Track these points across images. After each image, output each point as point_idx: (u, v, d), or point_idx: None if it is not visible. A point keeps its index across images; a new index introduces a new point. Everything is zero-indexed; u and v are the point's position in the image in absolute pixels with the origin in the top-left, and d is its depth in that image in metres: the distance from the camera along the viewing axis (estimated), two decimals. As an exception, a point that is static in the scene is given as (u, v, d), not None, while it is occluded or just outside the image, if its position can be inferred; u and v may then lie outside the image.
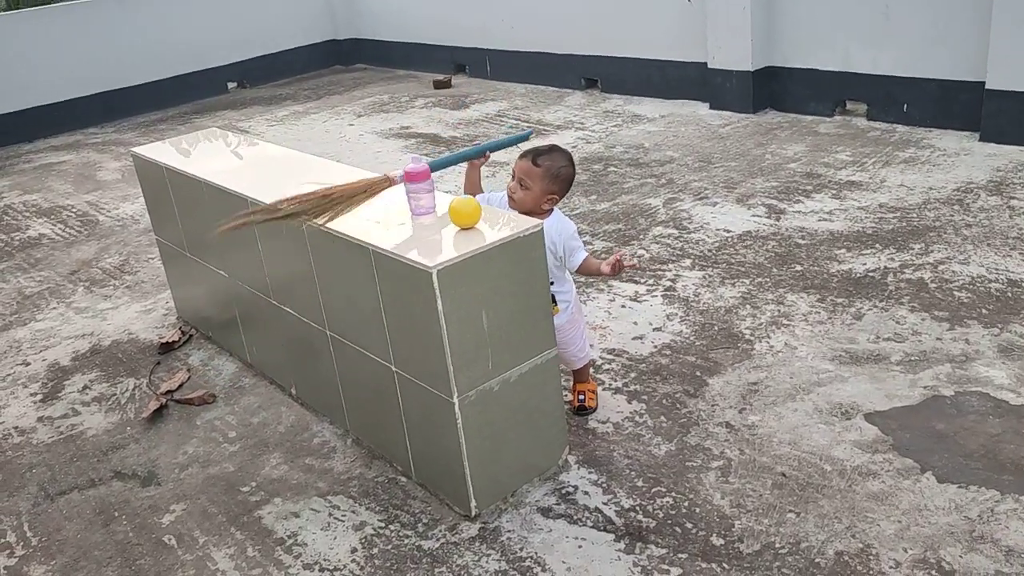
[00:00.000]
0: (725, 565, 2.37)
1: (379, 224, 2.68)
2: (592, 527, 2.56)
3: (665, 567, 2.38)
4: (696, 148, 5.91)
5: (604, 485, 2.72)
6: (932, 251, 4.02)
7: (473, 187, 3.07)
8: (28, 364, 4.00)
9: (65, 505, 2.97)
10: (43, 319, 4.47)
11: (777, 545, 2.41)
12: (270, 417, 3.34)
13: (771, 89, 6.52)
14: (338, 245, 2.70)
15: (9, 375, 3.92)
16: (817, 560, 2.34)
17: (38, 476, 3.15)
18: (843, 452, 2.75)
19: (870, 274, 3.87)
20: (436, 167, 2.78)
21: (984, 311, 3.47)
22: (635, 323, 3.68)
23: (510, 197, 2.88)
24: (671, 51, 7.05)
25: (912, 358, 3.21)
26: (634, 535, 2.51)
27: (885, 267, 3.92)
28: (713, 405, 3.07)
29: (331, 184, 2.78)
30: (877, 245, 4.14)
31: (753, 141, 5.92)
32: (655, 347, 3.48)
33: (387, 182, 2.79)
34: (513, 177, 2.88)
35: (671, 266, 4.16)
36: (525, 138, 3.19)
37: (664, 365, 3.35)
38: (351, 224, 2.69)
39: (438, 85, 8.70)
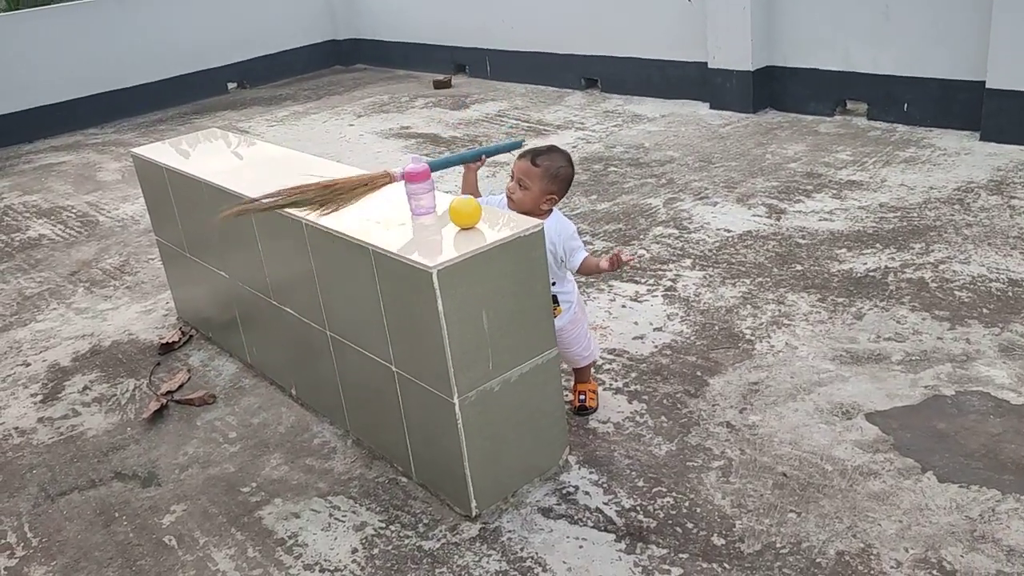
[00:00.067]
0: (726, 565, 2.36)
1: (379, 224, 2.68)
2: (593, 527, 2.56)
3: (666, 567, 2.38)
4: (696, 148, 5.91)
5: (605, 485, 2.72)
6: (933, 251, 4.02)
7: (470, 190, 3.07)
8: (28, 365, 4.00)
9: (65, 506, 2.96)
10: (43, 320, 4.47)
11: (778, 545, 2.41)
12: (270, 418, 3.33)
13: (771, 89, 6.52)
14: (338, 245, 2.70)
15: (9, 376, 3.92)
16: (818, 560, 2.34)
17: (38, 477, 3.15)
18: (844, 452, 2.74)
19: (871, 274, 3.87)
20: (433, 169, 2.78)
21: (985, 311, 3.47)
22: (636, 323, 3.68)
23: (509, 198, 2.87)
24: (671, 51, 7.04)
25: (913, 358, 3.21)
26: (635, 535, 2.51)
27: (886, 267, 3.92)
28: (714, 405, 3.06)
29: (332, 179, 2.79)
30: (878, 245, 4.14)
31: (753, 141, 5.92)
32: (656, 347, 3.48)
33: (387, 178, 2.80)
34: (512, 177, 2.87)
35: (671, 266, 4.16)
36: (517, 146, 3.19)
37: (665, 365, 3.34)
38: (351, 224, 2.69)
39: (438, 85, 8.70)
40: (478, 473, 2.59)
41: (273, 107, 8.80)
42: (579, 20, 7.68)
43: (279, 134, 7.63)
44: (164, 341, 3.98)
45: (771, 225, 4.50)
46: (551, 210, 2.89)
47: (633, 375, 3.30)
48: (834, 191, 4.85)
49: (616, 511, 2.61)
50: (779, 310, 3.65)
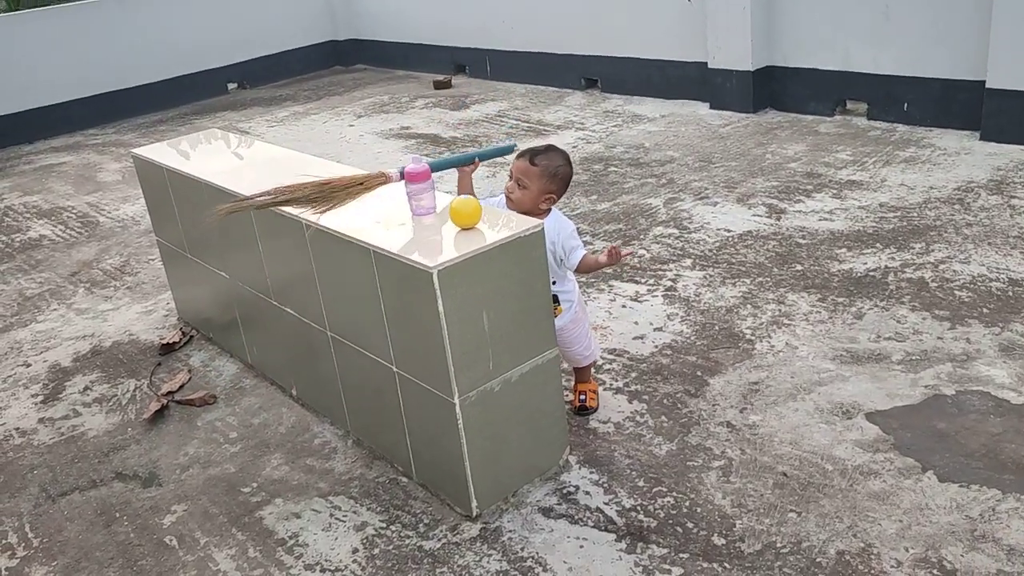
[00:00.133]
0: (727, 565, 2.36)
1: (380, 224, 2.68)
2: (593, 527, 2.56)
3: (666, 567, 2.38)
4: (696, 148, 5.91)
5: (605, 485, 2.72)
6: (933, 250, 4.02)
7: (465, 192, 3.06)
8: (29, 365, 4.00)
9: (66, 506, 2.97)
10: (44, 320, 4.47)
11: (778, 545, 2.41)
12: (271, 418, 3.34)
13: (771, 89, 6.52)
14: (339, 245, 2.70)
15: (10, 376, 3.92)
16: (818, 560, 2.34)
17: (39, 477, 3.15)
18: (844, 451, 2.75)
19: (871, 273, 3.87)
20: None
21: (985, 310, 3.47)
22: (636, 323, 3.68)
23: (508, 197, 2.87)
24: (671, 51, 7.05)
25: (913, 357, 3.21)
26: (635, 535, 2.51)
27: (886, 266, 3.92)
28: (714, 405, 3.06)
29: (328, 178, 2.80)
30: (878, 244, 4.14)
31: (753, 141, 5.92)
32: (656, 347, 3.48)
33: (382, 178, 2.79)
34: (511, 177, 2.88)
35: (672, 266, 4.16)
36: (510, 150, 3.19)
37: (665, 365, 3.35)
38: (352, 224, 2.69)
39: (438, 85, 8.70)
40: (478, 473, 2.59)
41: (273, 107, 8.81)
42: (579, 20, 7.68)
43: (279, 134, 7.63)
44: (165, 341, 3.99)
45: (771, 225, 4.50)
46: (550, 209, 2.89)
47: (633, 375, 3.30)
48: (834, 191, 4.86)
49: (616, 511, 2.61)
50: (779, 310, 3.65)
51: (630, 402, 3.14)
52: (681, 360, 3.37)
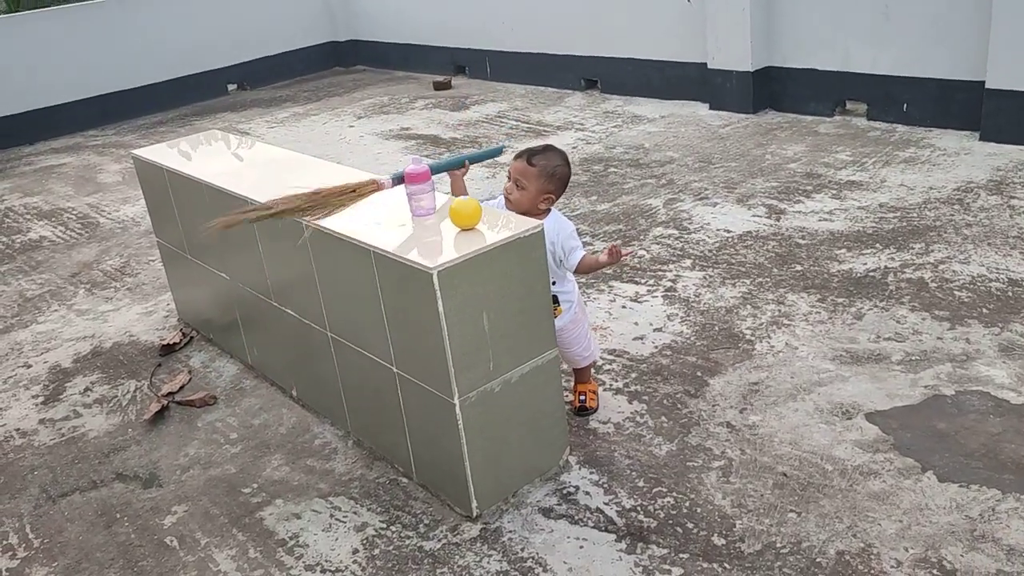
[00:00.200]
0: (727, 565, 2.37)
1: (380, 225, 2.68)
2: (593, 527, 2.56)
3: (666, 567, 2.38)
4: (696, 148, 5.92)
5: (605, 485, 2.73)
6: (932, 251, 4.02)
7: (459, 195, 3.05)
8: (29, 366, 4.01)
9: (67, 507, 2.97)
10: (44, 321, 4.47)
11: (778, 545, 2.41)
12: (271, 419, 3.34)
13: (771, 89, 6.53)
14: (339, 246, 2.70)
15: (10, 377, 3.92)
16: (818, 560, 2.34)
17: (40, 478, 3.15)
18: (844, 452, 2.75)
19: (870, 274, 3.87)
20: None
21: (985, 310, 3.47)
22: (636, 323, 3.68)
23: (507, 198, 2.88)
24: (671, 52, 7.05)
25: (913, 358, 3.21)
26: (635, 535, 2.51)
27: (885, 267, 3.92)
28: (714, 405, 3.07)
29: (320, 186, 2.76)
30: (877, 245, 4.15)
31: (753, 141, 5.92)
32: (656, 347, 3.48)
33: (374, 185, 2.76)
34: (509, 178, 2.88)
35: (671, 266, 4.17)
36: (499, 152, 3.19)
37: (665, 365, 3.35)
38: (352, 225, 2.69)
39: (438, 86, 8.70)
40: (479, 473, 2.59)
41: (273, 108, 8.81)
42: (579, 21, 7.68)
43: (279, 135, 7.63)
44: (165, 342, 3.99)
45: (771, 225, 4.51)
46: (549, 210, 2.90)
47: (633, 375, 3.30)
48: (834, 191, 4.86)
49: (616, 511, 2.61)
50: (779, 310, 3.65)
51: (630, 402, 3.14)
52: (681, 360, 3.37)
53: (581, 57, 7.79)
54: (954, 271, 3.81)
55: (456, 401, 2.48)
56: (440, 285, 2.36)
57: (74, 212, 6.20)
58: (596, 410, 3.10)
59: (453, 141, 6.79)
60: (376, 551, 2.58)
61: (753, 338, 3.46)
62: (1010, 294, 3.57)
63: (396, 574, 2.48)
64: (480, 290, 2.45)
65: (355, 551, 2.59)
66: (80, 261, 5.25)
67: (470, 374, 2.49)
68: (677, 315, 3.71)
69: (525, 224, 2.56)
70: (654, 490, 2.68)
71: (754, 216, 4.65)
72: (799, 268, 4.00)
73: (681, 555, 2.42)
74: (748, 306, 3.71)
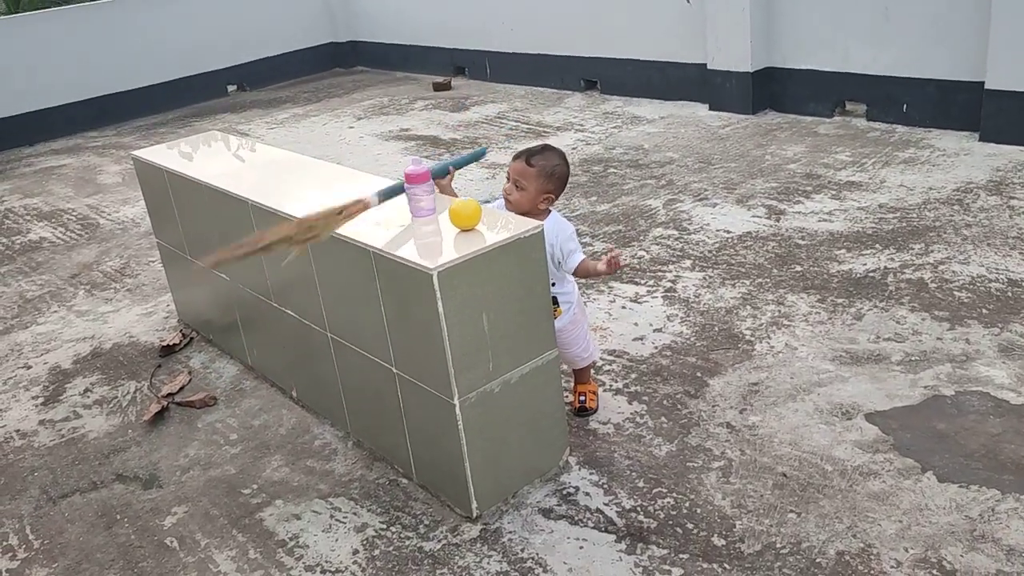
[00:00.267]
0: (726, 565, 2.37)
1: (379, 226, 2.68)
2: (593, 528, 2.56)
3: (666, 568, 2.38)
4: (696, 149, 5.92)
5: (605, 486, 2.73)
6: (932, 251, 4.03)
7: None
8: (29, 367, 4.01)
9: (67, 508, 2.97)
10: (44, 322, 4.47)
11: (778, 545, 2.41)
12: (271, 419, 3.34)
13: (770, 90, 6.53)
14: (339, 247, 2.70)
15: (10, 378, 3.92)
16: (818, 560, 2.35)
17: (40, 479, 3.15)
18: (844, 452, 2.75)
19: (870, 274, 3.87)
20: (400, 190, 2.75)
21: (984, 311, 3.47)
22: (635, 324, 3.68)
23: (506, 199, 2.88)
24: (670, 52, 7.05)
25: (912, 358, 3.21)
26: (635, 536, 2.51)
27: (885, 267, 3.92)
28: (714, 406, 3.07)
29: (305, 213, 2.69)
30: (877, 245, 4.15)
31: (753, 142, 5.93)
32: (656, 348, 3.48)
33: (360, 204, 2.67)
34: (508, 179, 2.88)
35: (671, 267, 4.17)
36: (482, 154, 3.18)
37: (665, 366, 3.35)
38: (351, 226, 2.69)
39: (438, 87, 8.71)
40: (479, 474, 2.60)
41: (273, 109, 8.81)
42: (578, 22, 7.69)
43: (279, 136, 7.64)
44: (165, 343, 3.99)
45: (771, 226, 4.51)
46: (549, 210, 2.90)
47: (633, 376, 3.30)
48: (833, 192, 4.86)
49: (616, 512, 2.61)
50: (779, 311, 3.65)
51: (630, 403, 3.14)
52: (681, 361, 3.37)
53: (581, 58, 7.79)
54: (954, 271, 3.81)
55: (456, 402, 2.48)
56: (440, 286, 2.36)
57: (74, 213, 6.21)
58: (596, 411, 3.10)
59: (453, 142, 6.80)
60: (376, 552, 2.58)
61: (753, 339, 3.46)
62: (1010, 294, 3.57)
63: (396, 575, 2.48)
64: (480, 291, 2.45)
65: (355, 552, 2.59)
66: (80, 262, 5.25)
67: (470, 375, 2.49)
68: (677, 316, 3.71)
69: (525, 225, 2.56)
70: (654, 491, 2.68)
71: (754, 217, 4.65)
72: (799, 269, 4.00)
73: (681, 555, 2.42)
74: (748, 307, 3.72)
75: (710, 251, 4.29)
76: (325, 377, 3.12)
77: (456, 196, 2.99)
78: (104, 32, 8.90)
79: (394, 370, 2.70)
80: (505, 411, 2.61)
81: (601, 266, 2.75)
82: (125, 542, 2.76)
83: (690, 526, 2.52)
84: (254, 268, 3.30)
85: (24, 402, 3.70)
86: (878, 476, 2.63)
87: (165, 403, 3.49)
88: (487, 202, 2.90)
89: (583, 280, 3.98)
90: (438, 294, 2.36)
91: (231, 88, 9.87)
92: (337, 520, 2.74)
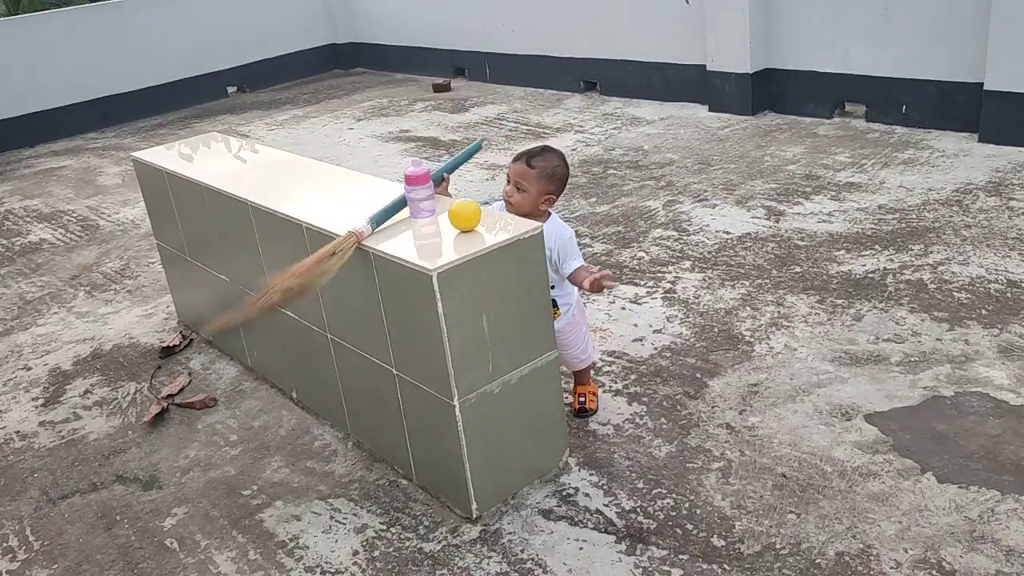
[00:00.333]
0: (726, 566, 2.37)
1: (379, 227, 2.68)
2: (593, 529, 2.56)
3: (666, 568, 2.39)
4: (695, 150, 5.92)
5: (605, 487, 2.73)
6: (931, 252, 4.03)
7: None
8: (29, 369, 4.01)
9: (67, 509, 2.97)
10: (44, 324, 4.48)
11: (778, 546, 2.42)
12: (271, 421, 3.34)
13: (770, 91, 6.53)
14: (338, 248, 2.70)
15: (11, 380, 3.93)
16: (818, 561, 2.35)
17: (40, 480, 3.15)
18: (843, 453, 2.75)
19: (869, 275, 3.87)
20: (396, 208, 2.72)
21: (984, 312, 3.47)
22: (635, 325, 3.69)
23: (507, 201, 2.88)
24: (670, 53, 7.06)
25: (912, 359, 3.21)
26: (635, 536, 2.51)
27: (884, 268, 3.92)
28: (713, 407, 3.07)
29: (296, 264, 2.63)
30: (876, 246, 4.15)
31: (752, 143, 5.93)
32: (655, 349, 3.48)
33: (353, 238, 2.58)
34: (508, 181, 2.88)
35: (671, 268, 4.17)
36: (477, 148, 3.17)
37: (664, 367, 3.35)
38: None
39: (437, 89, 8.71)
40: (478, 475, 2.60)
41: (273, 111, 8.82)
42: (578, 23, 7.69)
43: (279, 138, 7.64)
44: (165, 345, 3.99)
45: (770, 227, 4.51)
46: (549, 212, 2.90)
47: (633, 377, 3.31)
48: (833, 193, 4.86)
49: (616, 513, 2.61)
50: (778, 312, 3.65)
51: (629, 404, 3.14)
52: (680, 362, 3.37)
53: (580, 59, 7.80)
54: (953, 272, 3.81)
55: (456, 403, 2.48)
56: (440, 287, 2.36)
57: (74, 215, 6.21)
58: (596, 412, 3.10)
59: (452, 143, 6.80)
60: (376, 553, 2.58)
61: (752, 339, 3.47)
62: (1009, 295, 3.57)
63: (396, 576, 2.49)
64: (480, 292, 2.45)
65: (355, 553, 2.59)
66: (80, 263, 5.25)
67: (470, 376, 2.49)
68: (676, 317, 3.71)
69: (524, 226, 2.56)
70: (654, 491, 2.68)
71: (753, 218, 4.66)
72: (798, 270, 4.01)
73: (681, 556, 2.42)
74: (747, 308, 3.72)
75: (709, 252, 4.30)
76: (325, 378, 3.12)
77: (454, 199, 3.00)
78: (104, 33, 8.90)
79: (394, 371, 2.70)
80: (505, 412, 2.61)
81: (585, 284, 2.71)
82: (125, 543, 2.76)
83: (690, 527, 2.52)
84: (253, 269, 3.30)
85: (24, 403, 3.70)
86: (878, 477, 2.63)
87: (165, 404, 3.49)
88: (486, 203, 2.90)
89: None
90: (438, 295, 2.36)
91: (231, 89, 9.88)
92: (337, 521, 2.74)
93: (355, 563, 2.55)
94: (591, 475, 2.79)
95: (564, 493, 2.72)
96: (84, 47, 8.77)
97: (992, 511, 2.45)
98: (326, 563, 2.57)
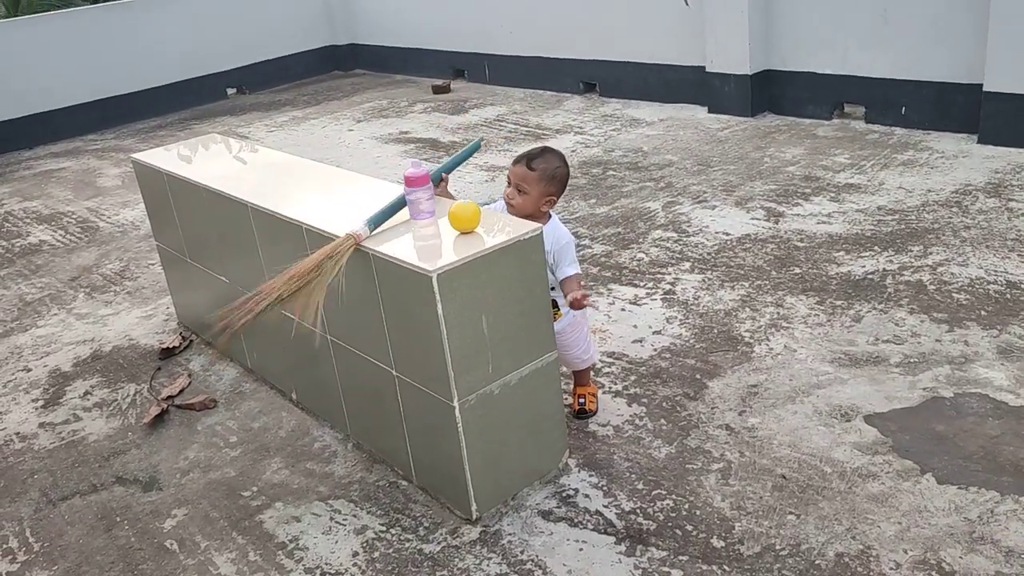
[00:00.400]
0: (726, 567, 2.37)
1: (379, 228, 2.69)
2: (593, 530, 2.57)
3: (666, 569, 2.39)
4: (695, 152, 5.93)
5: (604, 488, 2.73)
6: (931, 253, 4.03)
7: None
8: (29, 370, 4.01)
9: (67, 510, 2.97)
10: (44, 325, 4.48)
11: (777, 547, 2.42)
12: (271, 422, 3.34)
13: (769, 92, 6.54)
14: (338, 250, 2.70)
15: (10, 381, 3.93)
16: (817, 562, 2.35)
17: (40, 482, 3.15)
18: (843, 454, 2.75)
19: (869, 276, 3.88)
20: (384, 217, 2.71)
21: (983, 312, 3.48)
22: (635, 326, 3.69)
23: (508, 204, 2.88)
24: (669, 55, 7.06)
25: (911, 360, 3.22)
26: (635, 538, 2.51)
27: (884, 269, 3.93)
28: (713, 408, 3.07)
29: (294, 266, 2.63)
30: (876, 247, 4.15)
31: (751, 144, 5.93)
32: (655, 350, 3.48)
33: (351, 241, 2.59)
34: (509, 183, 2.88)
35: (670, 269, 4.17)
36: (476, 147, 3.17)
37: (664, 368, 3.35)
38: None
39: (437, 90, 8.72)
40: (478, 476, 2.60)
41: (272, 112, 8.82)
42: (577, 24, 7.69)
43: (278, 139, 7.64)
44: (165, 346, 3.99)
45: (769, 228, 4.51)
46: (549, 213, 2.90)
47: (632, 378, 3.31)
48: (832, 194, 4.87)
49: (616, 514, 2.62)
50: (778, 313, 3.66)
51: (629, 405, 3.14)
52: (680, 363, 3.37)
53: (580, 61, 7.80)
54: (952, 273, 3.81)
55: (455, 404, 2.48)
56: (439, 288, 2.36)
57: (74, 216, 6.21)
58: (595, 413, 3.10)
59: (452, 145, 6.80)
60: (376, 554, 2.58)
61: (752, 341, 3.47)
62: (1008, 296, 3.58)
63: (396, 577, 2.49)
64: (479, 293, 2.45)
65: (355, 554, 2.59)
66: (80, 265, 5.25)
67: (469, 377, 2.49)
68: (676, 318, 3.71)
69: (524, 227, 2.56)
70: (653, 492, 2.69)
71: (753, 219, 4.66)
72: (798, 271, 4.01)
73: (680, 557, 2.42)
74: (747, 309, 3.72)
75: (709, 253, 4.30)
76: (325, 379, 3.12)
77: (454, 199, 3.00)
78: (104, 35, 8.90)
79: (394, 372, 2.70)
80: (505, 413, 2.61)
81: (568, 296, 2.73)
82: (125, 544, 2.76)
83: (689, 528, 2.53)
84: (253, 270, 3.30)
85: (24, 405, 3.70)
86: (877, 478, 2.63)
87: (165, 406, 3.49)
88: (486, 204, 2.91)
89: (584, 281, 3.98)
90: (437, 296, 2.36)
91: (230, 91, 9.88)
92: (337, 522, 2.74)
93: (355, 564, 2.55)
94: (591, 476, 2.79)
95: (564, 494, 2.72)
96: (84, 49, 8.77)
97: (991, 512, 2.45)
98: (326, 564, 2.57)
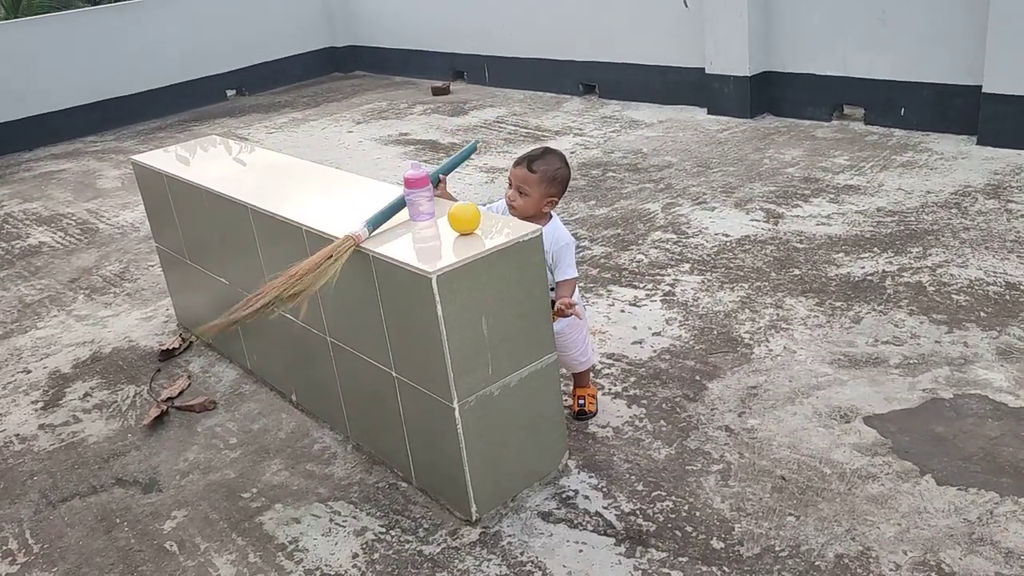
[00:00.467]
0: (725, 568, 2.37)
1: (378, 229, 2.69)
2: (592, 531, 2.57)
3: (665, 571, 2.39)
4: (694, 153, 5.93)
5: (604, 489, 2.73)
6: (930, 254, 4.03)
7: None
8: (29, 372, 4.01)
9: (67, 512, 2.97)
10: (44, 327, 4.48)
11: (777, 548, 2.42)
12: (270, 423, 3.34)
13: (769, 94, 6.54)
14: (338, 251, 2.70)
15: (10, 383, 3.93)
16: (817, 563, 2.35)
17: (39, 483, 3.15)
18: (842, 455, 2.75)
19: (868, 278, 3.88)
20: (383, 218, 2.72)
21: (982, 314, 3.48)
22: (634, 328, 3.69)
23: (510, 205, 2.89)
24: (669, 56, 7.07)
25: (911, 361, 3.22)
26: (634, 539, 2.51)
27: (883, 271, 3.93)
28: (712, 409, 3.07)
29: (295, 265, 2.63)
30: (875, 249, 4.15)
31: (751, 146, 5.94)
32: (654, 351, 3.49)
33: (350, 242, 2.58)
34: (510, 185, 2.88)
35: (670, 271, 4.17)
36: (473, 149, 3.17)
37: (663, 369, 3.35)
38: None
39: (436, 92, 8.72)
40: (478, 478, 2.60)
41: (272, 114, 8.82)
42: (577, 26, 7.70)
43: (278, 141, 7.64)
44: (164, 347, 3.99)
45: (769, 230, 4.52)
46: (551, 214, 2.91)
47: (632, 379, 3.31)
48: (832, 196, 4.87)
49: (616, 515, 2.62)
50: (777, 314, 3.66)
51: (629, 406, 3.14)
52: (679, 364, 3.38)
53: (579, 62, 7.80)
54: (952, 275, 3.82)
55: (455, 405, 2.49)
56: (439, 289, 2.36)
57: (73, 218, 6.21)
58: (595, 414, 3.11)
59: (451, 146, 6.80)
60: (376, 555, 2.58)
61: (751, 342, 3.47)
62: (1007, 297, 3.58)
63: (396, 578, 2.49)
64: (479, 294, 2.46)
65: (355, 555, 2.59)
66: (79, 266, 5.25)
67: (469, 378, 2.49)
68: (676, 319, 3.72)
69: (524, 229, 2.57)
70: (653, 494, 2.69)
71: (752, 220, 4.66)
72: (797, 272, 4.01)
73: (680, 559, 2.42)
74: (746, 310, 3.72)
75: (708, 255, 4.30)
76: (324, 381, 3.12)
77: (455, 201, 3.00)
78: (103, 37, 8.91)
79: (393, 374, 2.71)
80: (504, 414, 2.61)
81: (558, 303, 2.74)
82: (125, 546, 2.76)
83: (689, 529, 2.53)
84: (253, 272, 3.31)
85: (24, 406, 3.70)
86: (877, 479, 2.63)
87: (165, 407, 3.49)
88: (486, 205, 2.91)
89: (582, 282, 3.99)
90: (437, 298, 2.36)
91: (230, 92, 9.88)
92: (337, 524, 2.74)
93: (355, 566, 2.55)
94: (590, 477, 2.79)
95: (564, 495, 2.72)
96: (83, 50, 8.78)
97: (991, 513, 2.45)
98: (326, 566, 2.57)
